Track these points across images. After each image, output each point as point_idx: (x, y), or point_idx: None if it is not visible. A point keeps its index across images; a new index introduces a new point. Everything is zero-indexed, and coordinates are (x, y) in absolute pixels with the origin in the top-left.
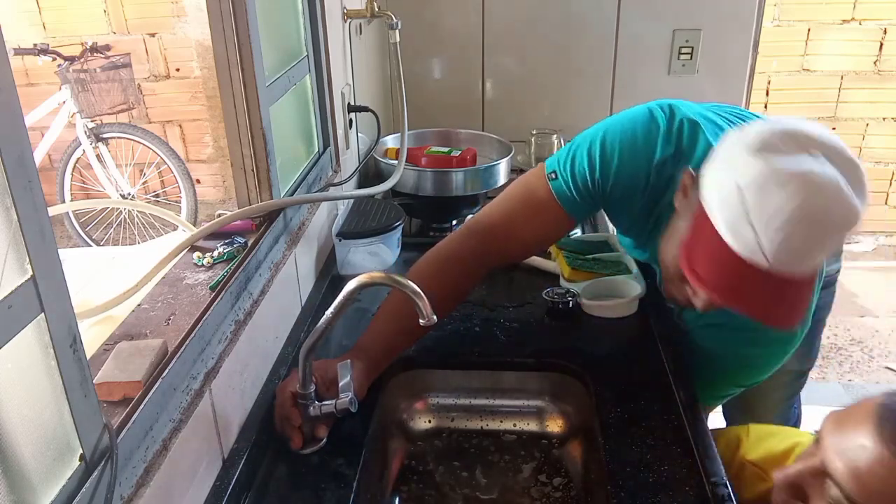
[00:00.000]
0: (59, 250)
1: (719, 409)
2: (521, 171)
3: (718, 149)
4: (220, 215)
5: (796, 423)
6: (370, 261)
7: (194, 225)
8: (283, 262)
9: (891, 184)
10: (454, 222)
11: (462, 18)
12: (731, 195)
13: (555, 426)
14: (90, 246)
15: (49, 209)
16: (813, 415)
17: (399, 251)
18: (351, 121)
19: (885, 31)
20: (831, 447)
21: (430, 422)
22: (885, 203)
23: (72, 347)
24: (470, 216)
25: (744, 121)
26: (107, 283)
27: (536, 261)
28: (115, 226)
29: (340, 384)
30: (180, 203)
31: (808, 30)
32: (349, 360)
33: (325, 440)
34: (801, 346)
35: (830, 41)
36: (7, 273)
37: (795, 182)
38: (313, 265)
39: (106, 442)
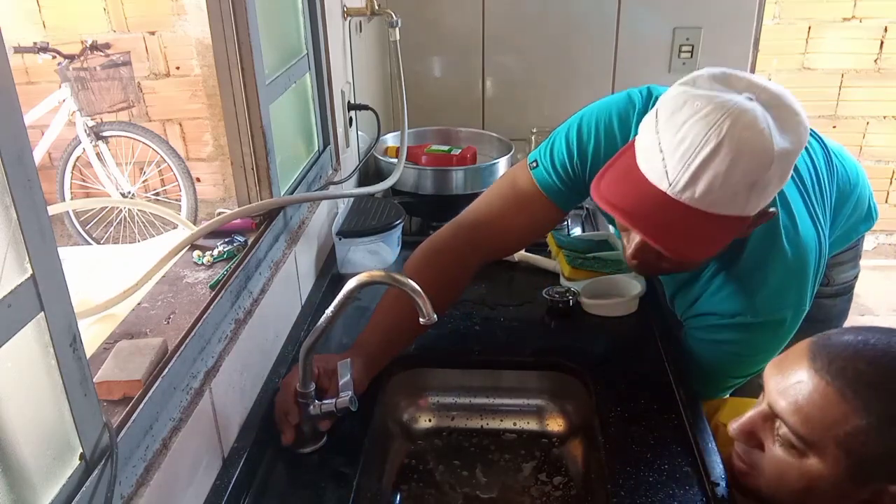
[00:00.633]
0: (59, 249)
1: None
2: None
3: None
4: (220, 214)
5: None
6: (370, 259)
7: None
8: (283, 260)
9: (891, 182)
10: None
11: (462, 17)
12: (650, 120)
13: (555, 425)
14: (90, 244)
15: (49, 208)
16: None
17: (399, 250)
18: (351, 119)
19: (885, 30)
20: (774, 389)
21: (430, 421)
22: (886, 202)
23: (72, 346)
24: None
25: None
26: (107, 282)
27: (536, 259)
28: (115, 224)
29: (341, 382)
30: (180, 201)
31: (809, 28)
32: (349, 359)
33: (325, 439)
34: None
35: (831, 39)
36: (7, 272)
37: (708, 107)
38: (313, 264)
39: (106, 441)
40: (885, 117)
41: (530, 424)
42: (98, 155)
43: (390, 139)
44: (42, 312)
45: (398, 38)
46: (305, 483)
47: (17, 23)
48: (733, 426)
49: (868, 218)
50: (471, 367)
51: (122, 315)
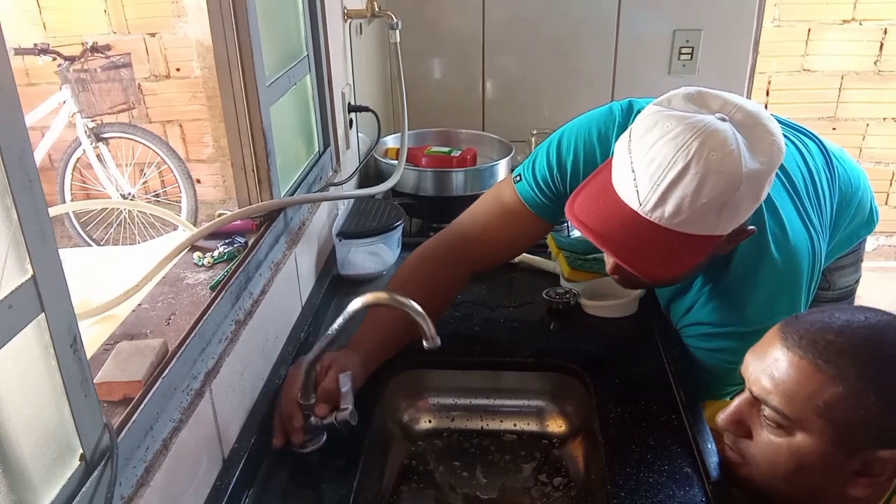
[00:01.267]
0: (60, 250)
1: None
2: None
3: None
4: (220, 215)
5: None
6: (370, 261)
7: (194, 225)
8: (284, 261)
9: (891, 184)
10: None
11: (462, 18)
12: (624, 140)
13: (555, 426)
14: (90, 246)
15: (49, 209)
16: None
17: (399, 251)
18: (351, 121)
19: (885, 32)
20: (753, 374)
21: (430, 422)
22: (886, 203)
23: (72, 347)
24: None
25: None
26: (107, 283)
27: (537, 261)
28: (115, 226)
29: (342, 391)
30: (180, 203)
31: (809, 30)
32: (349, 372)
33: (325, 439)
34: None
35: (831, 41)
36: (7, 273)
37: (678, 128)
38: (313, 265)
39: (106, 442)
40: (884, 119)
41: (530, 425)
42: (98, 156)
43: (390, 141)
44: (42, 313)
45: (398, 39)
46: (305, 483)
47: (17, 24)
48: (721, 417)
49: (870, 222)
50: (471, 367)
51: (122, 316)
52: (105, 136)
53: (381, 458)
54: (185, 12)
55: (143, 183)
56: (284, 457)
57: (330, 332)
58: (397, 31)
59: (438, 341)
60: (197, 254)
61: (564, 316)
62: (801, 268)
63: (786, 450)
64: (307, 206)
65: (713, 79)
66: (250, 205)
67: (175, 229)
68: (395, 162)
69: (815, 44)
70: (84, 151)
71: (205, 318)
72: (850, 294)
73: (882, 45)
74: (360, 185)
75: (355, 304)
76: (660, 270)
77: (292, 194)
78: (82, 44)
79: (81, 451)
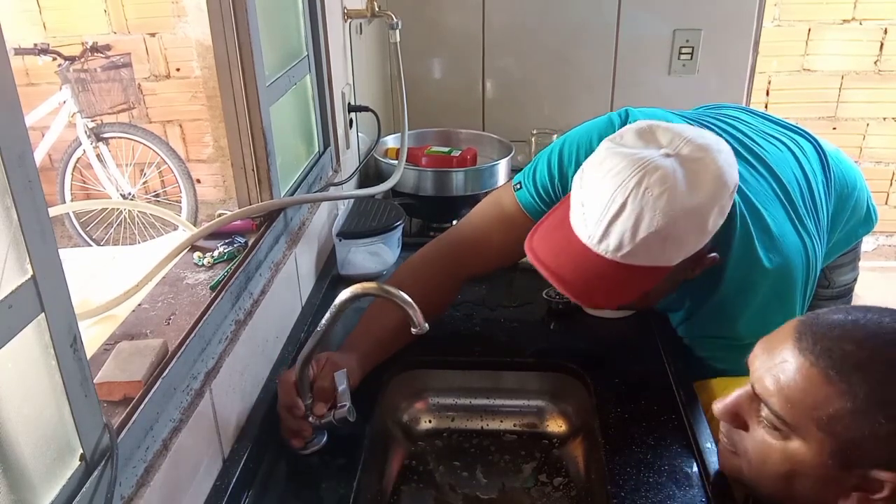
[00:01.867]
0: (60, 250)
1: None
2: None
3: None
4: (220, 215)
5: None
6: (370, 261)
7: (194, 225)
8: (284, 261)
9: (891, 184)
10: (454, 222)
11: (462, 18)
12: (578, 174)
13: (555, 426)
14: (90, 246)
15: (49, 209)
16: None
17: (399, 251)
18: (351, 121)
19: (885, 31)
20: (759, 369)
21: (430, 422)
22: (886, 203)
23: (72, 347)
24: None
25: (725, 124)
26: (107, 283)
27: None
28: (115, 226)
29: (339, 390)
30: (180, 203)
31: (809, 30)
32: (345, 370)
33: (325, 439)
34: None
35: (831, 41)
36: (7, 273)
37: (620, 164)
38: (313, 265)
39: (106, 442)
40: (884, 119)
41: (530, 425)
42: (98, 156)
43: (390, 140)
44: (43, 313)
45: (398, 39)
46: (305, 483)
47: (17, 24)
48: (718, 406)
49: (867, 221)
50: (471, 368)
51: (122, 316)
52: (105, 136)
53: (381, 458)
54: (185, 12)
55: (143, 183)
56: (284, 457)
57: (319, 328)
58: (397, 31)
59: (426, 327)
60: (197, 254)
61: (564, 316)
62: (795, 276)
63: (780, 453)
64: (307, 206)
65: (713, 79)
66: (250, 205)
67: (175, 229)
68: (395, 162)
69: (815, 44)
70: (84, 151)
71: (205, 318)
72: (848, 292)
73: (882, 44)
74: (360, 185)
75: (343, 295)
76: (607, 300)
77: (292, 194)
78: (82, 44)
79: (81, 451)
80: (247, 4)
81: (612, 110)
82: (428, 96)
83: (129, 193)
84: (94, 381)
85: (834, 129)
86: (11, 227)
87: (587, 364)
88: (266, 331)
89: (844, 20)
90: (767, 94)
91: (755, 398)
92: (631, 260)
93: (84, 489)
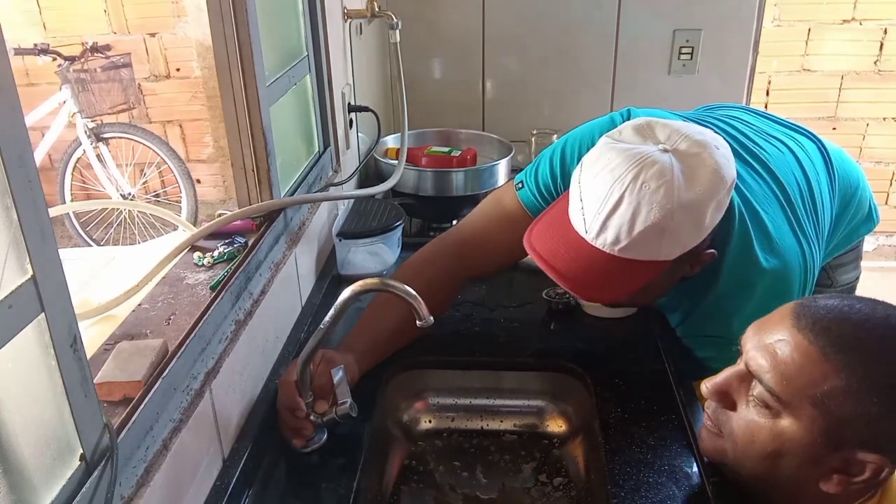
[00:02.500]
0: (60, 250)
1: None
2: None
3: None
4: (220, 215)
5: None
6: (370, 261)
7: (194, 225)
8: (284, 261)
9: (891, 184)
10: (454, 222)
11: (462, 18)
12: (576, 170)
13: (555, 426)
14: (90, 246)
15: (49, 209)
16: None
17: (399, 251)
18: (351, 121)
19: (885, 31)
20: (753, 348)
21: (430, 422)
22: (886, 203)
23: (72, 347)
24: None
25: (725, 124)
26: (107, 283)
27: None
28: (115, 226)
29: (337, 388)
30: (180, 203)
31: (809, 30)
32: (342, 365)
33: (325, 438)
34: None
35: (831, 41)
36: (7, 273)
37: (617, 160)
38: (313, 265)
39: (106, 442)
40: (884, 119)
41: (530, 425)
42: (98, 156)
43: (390, 141)
44: (42, 313)
45: (398, 39)
46: (305, 483)
47: (17, 24)
48: (707, 385)
49: (869, 220)
50: (471, 368)
51: (122, 316)
52: (105, 136)
53: (381, 458)
54: (185, 12)
55: (143, 183)
56: (284, 457)
57: (322, 326)
58: (397, 31)
59: (431, 319)
60: (197, 254)
61: (564, 316)
62: (791, 279)
63: (768, 431)
64: (307, 206)
65: (713, 79)
66: (250, 205)
67: (175, 229)
68: (395, 162)
69: (815, 44)
70: (84, 151)
71: (205, 318)
72: (850, 291)
73: (882, 45)
74: (360, 185)
75: (346, 293)
76: (604, 294)
77: (292, 194)
78: (82, 44)
79: (81, 451)
80: (247, 4)
81: (612, 110)
82: (428, 96)
83: (129, 193)
84: (94, 381)
85: (834, 129)
86: (11, 227)
87: (587, 364)
88: (266, 331)
89: (844, 20)
90: (767, 94)
91: (746, 377)
92: (628, 254)
93: (84, 489)
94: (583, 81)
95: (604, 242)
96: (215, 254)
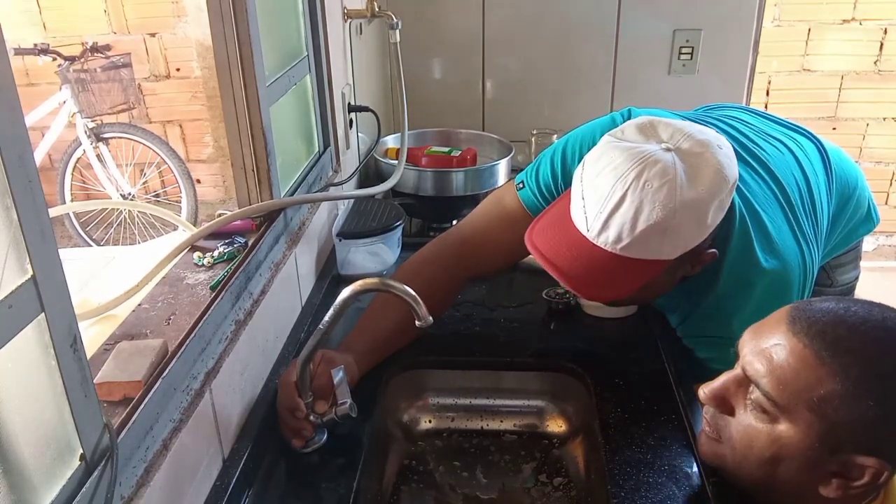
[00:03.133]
0: (60, 250)
1: None
2: (521, 171)
3: None
4: (220, 215)
5: None
6: (370, 261)
7: (194, 225)
8: (284, 261)
9: (891, 184)
10: (454, 222)
11: (462, 18)
12: (578, 169)
13: (555, 426)
14: (90, 246)
15: (49, 210)
16: None
17: (399, 251)
18: (351, 121)
19: (885, 31)
20: (750, 353)
21: (430, 422)
22: (886, 203)
23: (72, 347)
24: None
25: (726, 125)
26: (107, 283)
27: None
28: (115, 226)
29: (337, 389)
30: (180, 203)
31: (809, 30)
32: (342, 366)
33: (325, 438)
34: None
35: (831, 41)
36: (7, 273)
37: (620, 158)
38: (313, 265)
39: (106, 442)
40: (884, 119)
41: (530, 425)
42: (98, 156)
43: (390, 141)
44: (42, 313)
45: (398, 39)
46: (305, 483)
47: (17, 24)
48: (704, 391)
49: (868, 220)
50: (471, 368)
51: (122, 316)
52: (105, 136)
53: (381, 458)
54: (185, 12)
55: (143, 183)
56: (284, 457)
57: (322, 326)
58: (397, 31)
59: (430, 320)
60: (197, 254)
61: (564, 316)
62: (791, 280)
63: (766, 436)
64: (307, 206)
65: (713, 79)
66: (250, 205)
67: (175, 229)
68: (395, 162)
69: (815, 44)
70: (84, 151)
71: (205, 318)
72: (850, 291)
73: (882, 45)
74: (360, 185)
75: (345, 292)
76: (605, 292)
77: (292, 194)
78: (82, 44)
79: (81, 451)
80: (247, 4)
81: (612, 110)
82: (428, 96)
83: (129, 193)
84: (94, 381)
85: (834, 129)
86: (11, 227)
87: (587, 364)
88: (266, 331)
89: (844, 20)
90: (767, 94)
91: (743, 382)
92: (630, 252)
93: (84, 489)
94: (583, 81)
95: (605, 241)
96: (215, 254)
